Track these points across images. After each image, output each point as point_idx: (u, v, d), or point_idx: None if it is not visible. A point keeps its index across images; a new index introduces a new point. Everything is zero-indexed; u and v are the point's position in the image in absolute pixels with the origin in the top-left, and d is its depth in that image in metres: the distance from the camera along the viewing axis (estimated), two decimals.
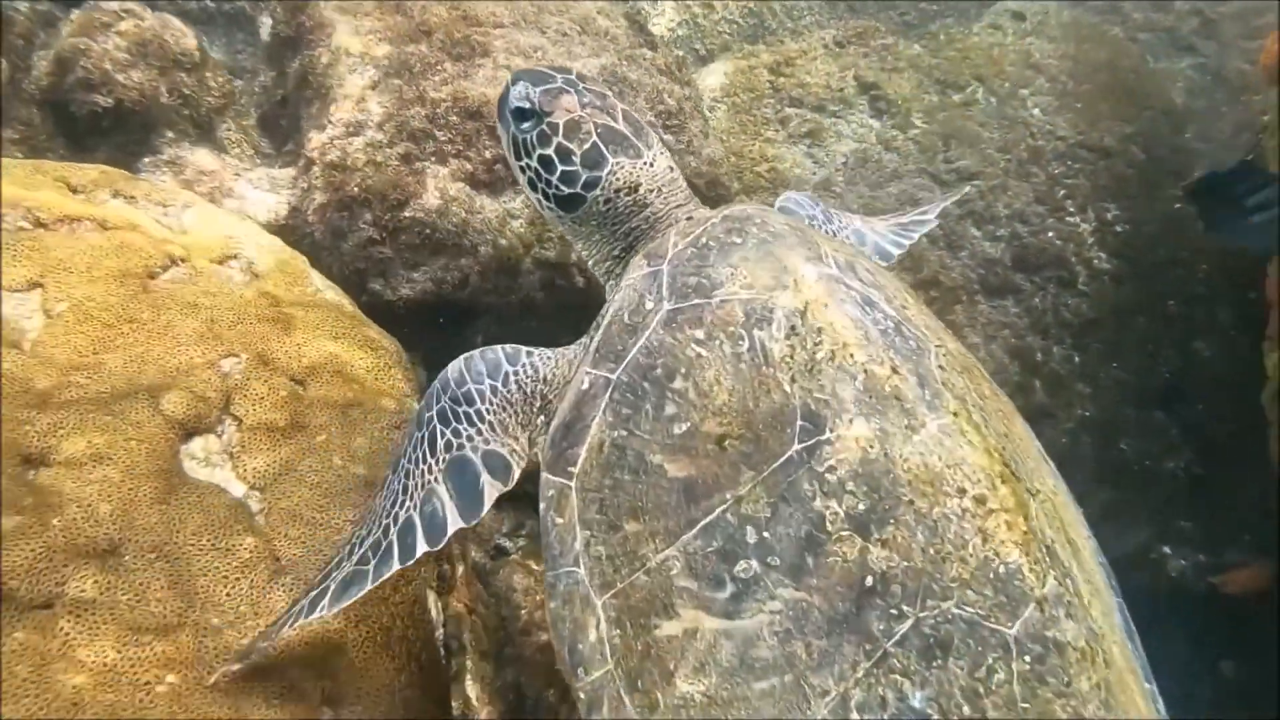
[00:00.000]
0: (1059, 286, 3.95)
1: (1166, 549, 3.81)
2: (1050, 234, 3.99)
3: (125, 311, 2.03)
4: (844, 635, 1.23)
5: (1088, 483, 3.77)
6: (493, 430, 1.74)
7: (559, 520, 1.47)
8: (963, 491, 1.30)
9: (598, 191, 1.86)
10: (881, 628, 1.22)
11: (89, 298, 2.02)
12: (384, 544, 1.59)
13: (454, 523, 1.61)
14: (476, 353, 1.79)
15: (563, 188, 1.87)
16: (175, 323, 2.07)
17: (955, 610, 1.23)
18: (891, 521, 1.27)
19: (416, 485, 1.68)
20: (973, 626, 1.22)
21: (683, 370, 1.46)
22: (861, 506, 1.28)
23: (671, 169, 1.97)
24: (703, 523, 1.33)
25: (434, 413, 1.74)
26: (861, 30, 4.47)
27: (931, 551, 1.26)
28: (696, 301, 1.53)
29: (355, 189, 2.84)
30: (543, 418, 1.73)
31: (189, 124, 3.00)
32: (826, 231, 2.26)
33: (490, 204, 2.99)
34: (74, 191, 2.32)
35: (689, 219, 1.85)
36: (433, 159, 2.92)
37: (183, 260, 2.28)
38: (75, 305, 2.00)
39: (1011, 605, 1.24)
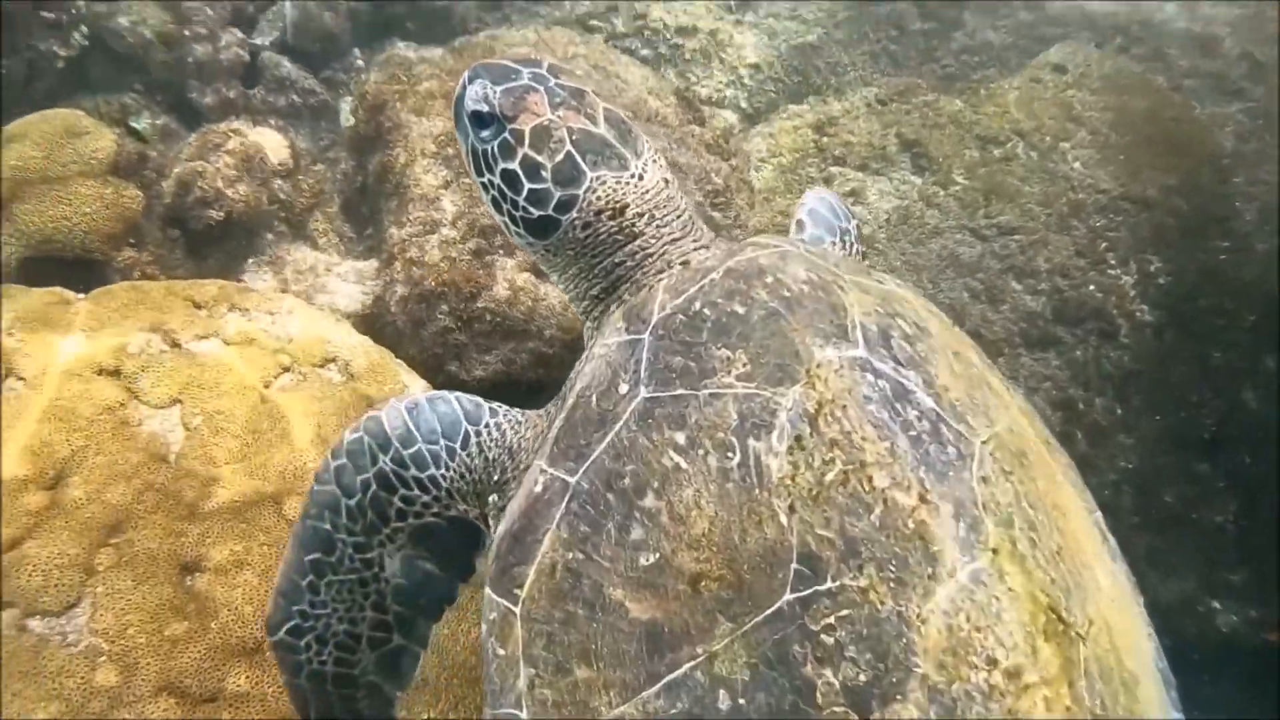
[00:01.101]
0: (1100, 339, 4.06)
1: (1215, 603, 3.88)
2: (1091, 287, 4.10)
3: (249, 422, 2.38)
4: None
5: (1130, 533, 3.87)
6: (451, 498, 1.52)
7: (500, 651, 1.28)
8: (993, 663, 1.10)
9: (574, 214, 1.56)
10: None
11: (219, 411, 2.37)
12: (374, 658, 1.59)
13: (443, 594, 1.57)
14: (424, 401, 1.53)
15: (531, 210, 1.57)
16: (289, 430, 2.40)
17: None
18: (898, 698, 1.08)
19: (362, 566, 1.53)
20: None
21: (656, 484, 1.23)
22: (863, 678, 1.08)
23: (666, 182, 1.64)
24: (666, 679, 1.15)
25: (370, 475, 1.50)
26: (903, 88, 4.64)
27: None
28: (680, 392, 1.28)
29: (432, 283, 3.16)
30: (495, 496, 1.50)
31: (285, 224, 3.37)
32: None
33: (554, 291, 3.27)
34: (198, 308, 2.68)
35: (684, 264, 1.56)
36: (500, 252, 3.22)
37: (291, 368, 2.62)
38: (208, 419, 2.34)
39: None
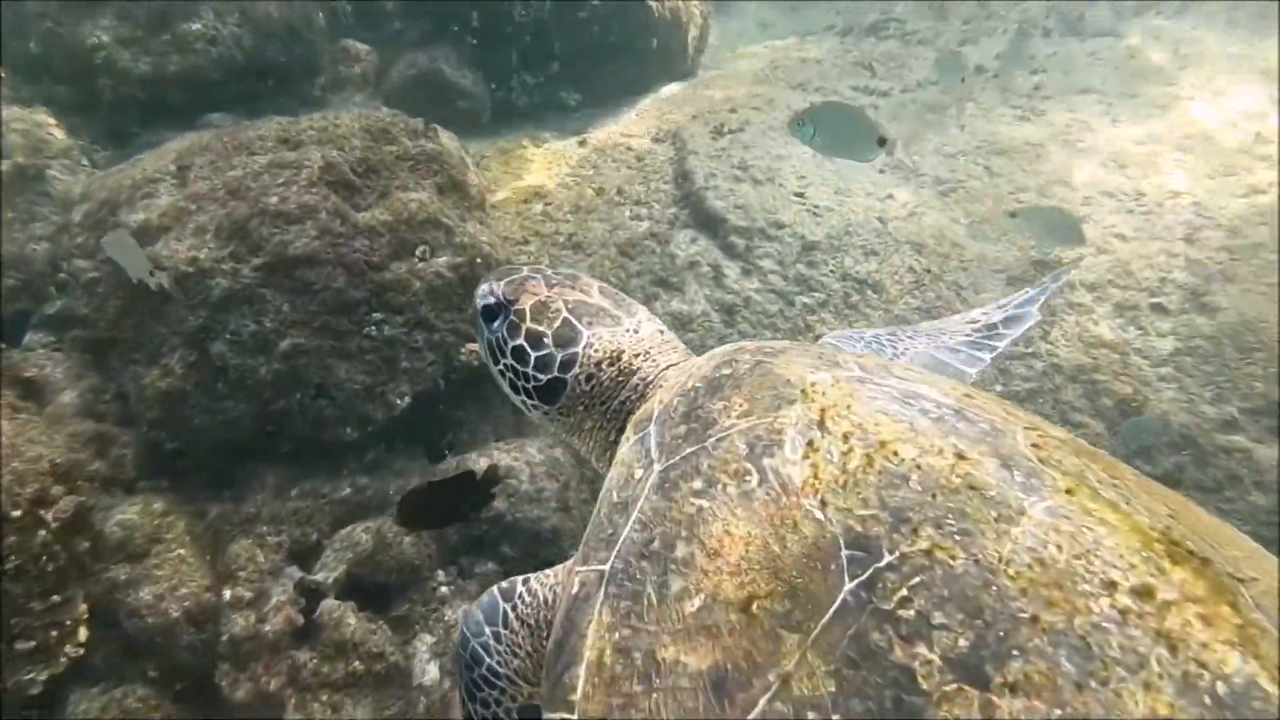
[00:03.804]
0: None
1: None
2: None
3: None
4: None
5: None
6: (514, 684, 1.51)
7: None
8: (1111, 585, 0.91)
9: (577, 369, 1.67)
10: None
11: None
12: None
13: None
14: (475, 604, 1.59)
15: (539, 375, 1.68)
16: None
17: None
18: (1015, 653, 0.88)
19: None
20: None
21: (684, 533, 1.18)
22: (964, 642, 0.91)
23: (663, 332, 1.77)
24: None
25: (464, 692, 1.54)
26: None
27: (1093, 684, 0.85)
28: (689, 451, 1.28)
29: None
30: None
31: None
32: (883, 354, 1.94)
33: None
34: None
35: (676, 368, 1.66)
36: None
37: None
38: None
39: None
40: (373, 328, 3.45)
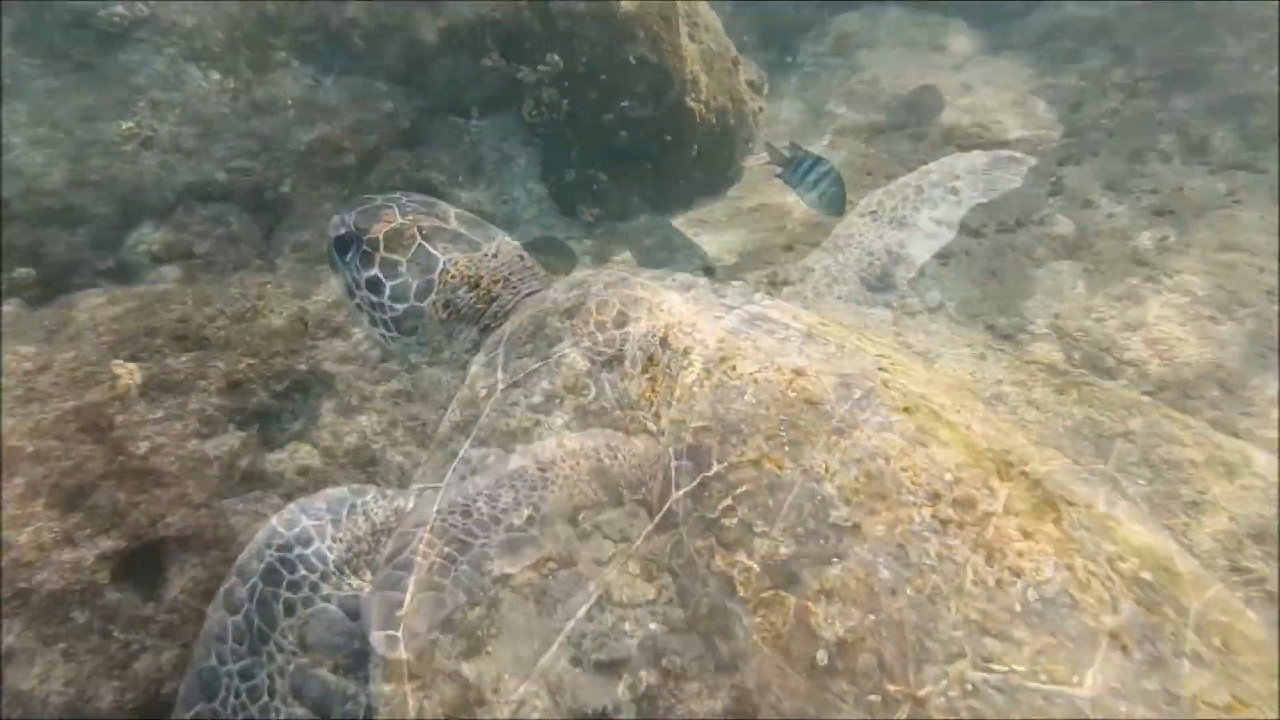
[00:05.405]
0: None
1: None
2: None
3: None
4: None
5: None
6: (341, 574, 1.39)
7: (386, 688, 1.10)
8: (935, 497, 0.93)
9: (434, 296, 1.66)
10: None
11: None
12: None
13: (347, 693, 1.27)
14: (313, 496, 1.49)
15: (395, 306, 1.66)
16: None
17: (975, 675, 0.78)
18: (834, 560, 0.89)
19: (249, 700, 1.27)
20: (1014, 694, 0.77)
21: (518, 449, 1.20)
22: (784, 550, 0.93)
23: (523, 257, 1.78)
24: (565, 632, 0.97)
25: (256, 578, 1.36)
26: None
27: (909, 591, 0.85)
28: (533, 368, 1.30)
29: None
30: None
31: None
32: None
33: None
34: None
35: (535, 296, 1.64)
36: None
37: None
38: None
39: (1069, 648, 0.80)
40: None
